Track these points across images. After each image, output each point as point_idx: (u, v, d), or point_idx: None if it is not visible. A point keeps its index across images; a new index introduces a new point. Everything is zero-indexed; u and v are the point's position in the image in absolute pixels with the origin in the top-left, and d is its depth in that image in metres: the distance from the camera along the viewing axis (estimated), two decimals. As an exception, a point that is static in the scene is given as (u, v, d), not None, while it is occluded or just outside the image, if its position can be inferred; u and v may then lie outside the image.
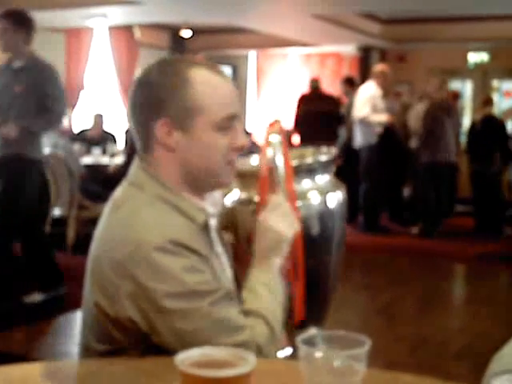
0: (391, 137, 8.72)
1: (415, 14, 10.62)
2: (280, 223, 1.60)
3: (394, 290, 6.23)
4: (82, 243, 6.79)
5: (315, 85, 9.84)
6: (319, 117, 9.37)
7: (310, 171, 1.75)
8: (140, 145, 1.58)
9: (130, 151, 7.00)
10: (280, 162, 1.70)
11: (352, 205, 9.01)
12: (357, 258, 7.12)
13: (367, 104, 8.47)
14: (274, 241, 1.60)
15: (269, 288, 1.59)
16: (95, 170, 7.89)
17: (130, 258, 1.43)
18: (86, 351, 1.59)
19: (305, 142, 9.19)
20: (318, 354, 1.09)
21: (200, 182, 1.57)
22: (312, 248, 1.70)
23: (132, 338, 1.48)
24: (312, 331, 1.14)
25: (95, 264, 1.52)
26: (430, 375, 1.42)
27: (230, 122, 1.55)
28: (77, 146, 8.21)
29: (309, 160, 1.78)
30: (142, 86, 1.56)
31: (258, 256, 1.62)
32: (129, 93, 1.60)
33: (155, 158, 1.56)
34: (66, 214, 7.02)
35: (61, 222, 7.05)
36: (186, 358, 1.09)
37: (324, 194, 1.76)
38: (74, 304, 4.99)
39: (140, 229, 1.45)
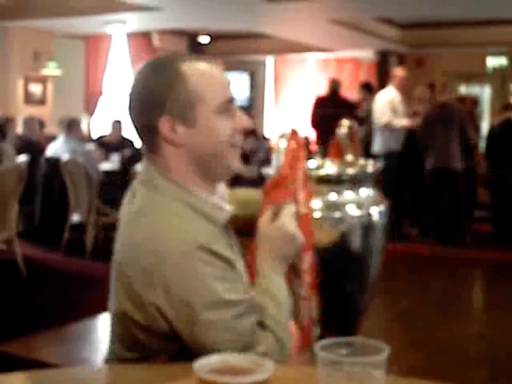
0: (413, 142, 8.63)
1: (433, 19, 10.59)
2: (294, 227, 1.60)
3: (412, 295, 6.20)
4: (101, 249, 6.88)
5: (336, 86, 9.76)
6: (335, 120, 9.33)
7: (352, 183, 1.69)
8: (146, 147, 1.61)
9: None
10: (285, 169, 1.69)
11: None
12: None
13: (387, 109, 8.44)
14: (290, 245, 1.60)
15: (277, 298, 1.58)
16: (114, 175, 7.91)
17: (158, 266, 1.44)
18: (117, 360, 1.59)
19: (320, 144, 9.18)
20: (337, 361, 1.09)
21: (210, 171, 1.60)
22: (351, 262, 1.68)
23: (162, 342, 1.49)
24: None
25: (121, 272, 1.53)
26: (447, 381, 1.40)
27: (229, 105, 1.59)
28: (95, 152, 8.24)
29: (350, 171, 1.73)
30: (138, 88, 1.60)
31: (268, 261, 1.60)
32: (127, 97, 1.63)
33: (164, 157, 1.58)
34: (85, 220, 7.05)
35: (80, 228, 7.10)
36: (204, 365, 1.09)
37: (366, 207, 1.70)
38: (93, 309, 5.03)
39: (168, 237, 1.46)
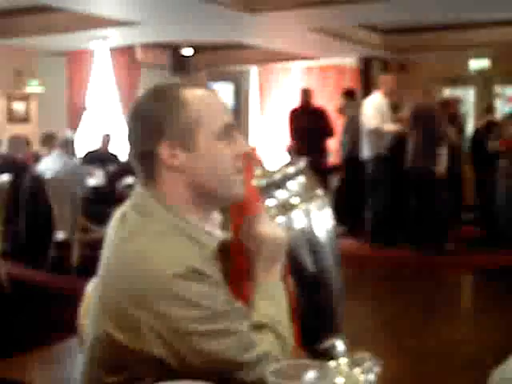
0: (401, 147, 8.64)
1: (415, 24, 10.62)
2: (274, 229, 1.61)
3: (398, 302, 6.19)
4: (87, 266, 6.82)
5: (306, 96, 9.87)
6: (308, 131, 9.43)
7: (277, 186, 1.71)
8: (143, 174, 1.62)
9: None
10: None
11: (357, 216, 9.00)
12: (362, 270, 7.08)
13: (377, 114, 8.47)
14: (275, 247, 1.61)
15: (275, 300, 1.61)
16: (99, 191, 7.90)
17: (149, 289, 1.45)
18: (95, 383, 1.58)
19: (298, 156, 9.21)
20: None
21: (209, 198, 1.61)
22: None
23: (149, 366, 1.48)
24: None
25: (109, 296, 1.53)
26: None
27: (229, 130, 1.60)
28: (84, 168, 8.21)
29: (276, 176, 1.73)
30: (137, 116, 1.61)
31: (261, 268, 1.62)
32: (126, 127, 1.64)
33: (161, 183, 1.59)
34: (70, 238, 7.03)
35: (64, 245, 7.07)
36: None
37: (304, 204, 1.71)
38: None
39: (156, 260, 1.47)
